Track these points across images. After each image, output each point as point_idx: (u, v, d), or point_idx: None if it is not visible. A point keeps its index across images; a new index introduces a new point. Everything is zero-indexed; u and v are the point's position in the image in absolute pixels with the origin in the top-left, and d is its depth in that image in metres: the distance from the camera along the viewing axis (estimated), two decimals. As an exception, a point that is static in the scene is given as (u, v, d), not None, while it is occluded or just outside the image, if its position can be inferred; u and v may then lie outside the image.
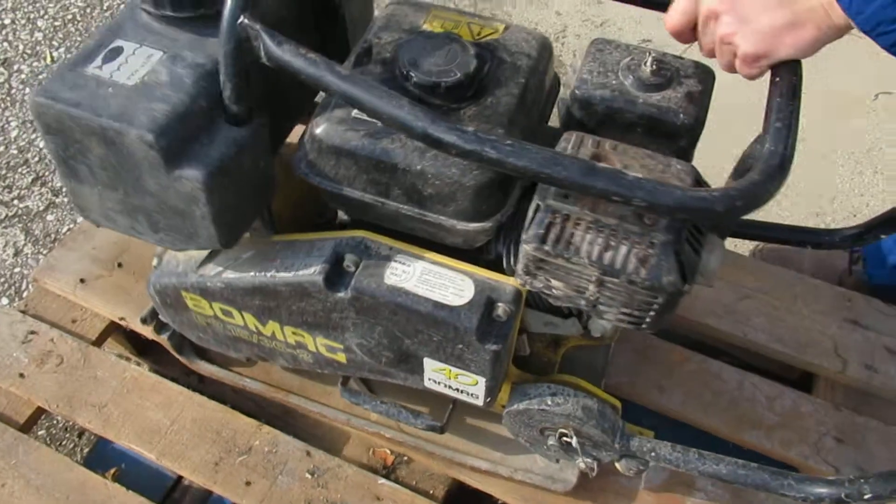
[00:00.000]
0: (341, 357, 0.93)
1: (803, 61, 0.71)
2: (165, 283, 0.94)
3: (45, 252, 1.59)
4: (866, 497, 0.77)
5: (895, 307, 1.24)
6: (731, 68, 0.74)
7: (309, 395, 1.10)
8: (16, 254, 1.59)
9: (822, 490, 0.80)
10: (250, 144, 0.76)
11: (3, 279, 1.55)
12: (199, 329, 1.01)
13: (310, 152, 0.78)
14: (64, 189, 1.60)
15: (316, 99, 0.97)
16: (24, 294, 1.52)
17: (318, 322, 0.88)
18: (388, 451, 1.12)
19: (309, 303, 0.85)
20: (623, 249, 0.67)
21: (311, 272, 0.82)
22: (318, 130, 0.76)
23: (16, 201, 1.67)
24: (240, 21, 0.69)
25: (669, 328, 1.23)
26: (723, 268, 1.21)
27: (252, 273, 0.87)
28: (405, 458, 1.11)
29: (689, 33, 0.76)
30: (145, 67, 0.74)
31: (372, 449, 1.12)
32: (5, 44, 1.96)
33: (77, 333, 1.19)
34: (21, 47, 1.95)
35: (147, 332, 1.13)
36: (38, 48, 1.96)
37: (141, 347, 1.28)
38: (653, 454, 0.87)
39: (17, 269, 1.57)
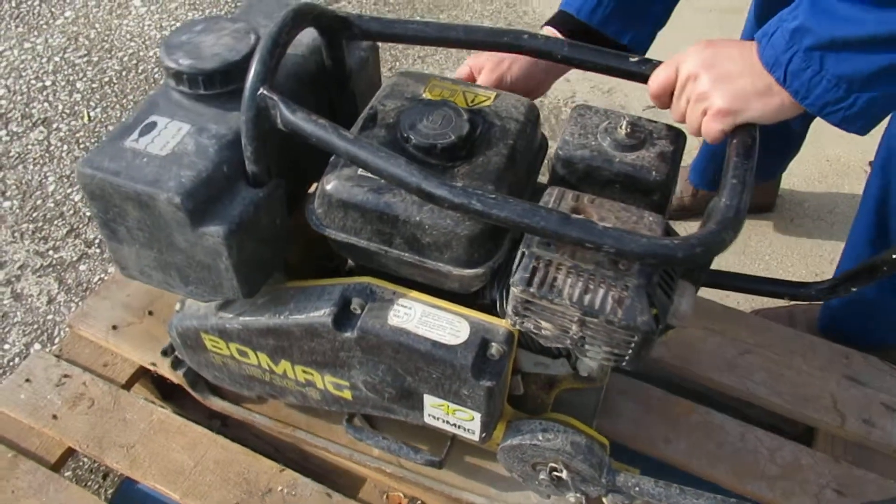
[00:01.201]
0: (347, 394, 1.00)
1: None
2: (187, 325, 1.02)
3: (77, 300, 1.67)
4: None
5: (891, 365, 1.28)
6: (698, 128, 0.83)
7: (315, 432, 1.16)
8: (49, 301, 1.67)
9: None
10: (267, 203, 0.85)
11: (36, 325, 1.63)
12: (215, 368, 1.09)
13: (320, 206, 0.87)
14: (98, 241, 1.73)
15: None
16: (56, 340, 1.60)
17: (326, 361, 0.95)
18: (402, 496, 1.16)
19: (319, 342, 0.93)
20: (601, 292, 0.75)
21: (322, 314, 0.90)
22: (328, 186, 0.85)
23: (51, 252, 1.76)
24: (259, 92, 0.79)
25: (676, 381, 1.28)
26: (724, 324, 1.32)
27: (267, 315, 0.95)
28: (418, 501, 1.15)
29: (668, 97, 0.86)
30: (175, 139, 0.83)
31: (386, 494, 1.16)
32: (46, 104, 2.09)
33: (108, 377, 1.25)
34: (60, 107, 2.08)
35: (165, 367, 1.20)
36: (76, 108, 2.08)
37: (166, 392, 1.33)
38: (637, 489, 0.92)
39: (49, 317, 1.65)
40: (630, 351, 0.77)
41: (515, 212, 0.71)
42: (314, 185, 0.92)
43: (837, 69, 0.71)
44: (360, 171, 0.85)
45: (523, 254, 0.78)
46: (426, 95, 0.93)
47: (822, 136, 1.80)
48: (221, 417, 1.31)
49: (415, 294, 0.90)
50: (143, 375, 1.28)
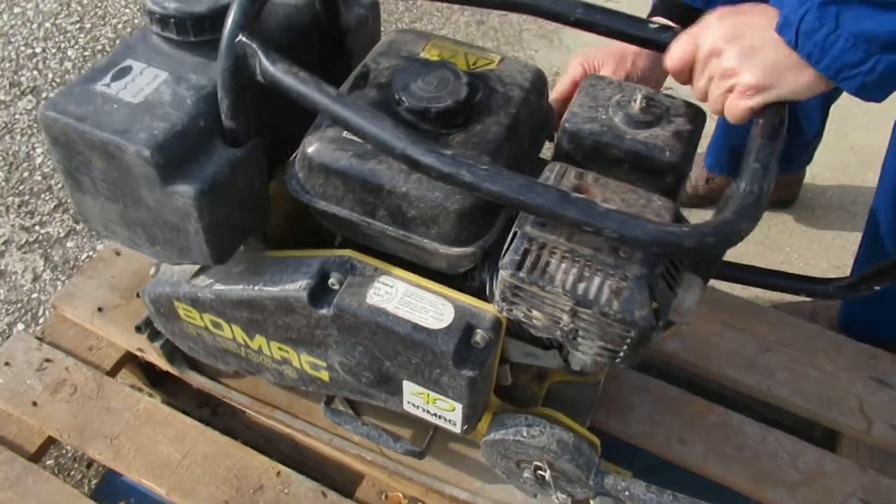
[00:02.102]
0: (324, 375, 0.94)
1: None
2: (160, 291, 0.96)
3: (63, 278, 1.60)
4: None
5: (921, 368, 1.21)
6: (722, 107, 0.75)
7: (295, 413, 1.10)
8: (34, 279, 1.60)
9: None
10: (245, 165, 0.78)
11: (20, 304, 1.56)
12: (190, 339, 1.02)
13: (301, 170, 0.80)
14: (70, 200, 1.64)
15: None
16: (41, 320, 1.53)
17: (302, 338, 0.89)
18: (402, 496, 1.09)
19: (294, 318, 0.86)
20: (597, 281, 0.68)
21: (297, 287, 0.83)
22: (310, 149, 0.78)
23: (37, 227, 1.69)
24: (238, 39, 0.72)
25: (691, 378, 1.22)
26: (744, 319, 1.24)
27: (241, 286, 0.88)
28: (418, 502, 1.08)
29: (688, 73, 0.77)
30: (150, 87, 0.76)
31: (385, 493, 1.09)
32: (35, 72, 2.00)
33: (92, 363, 1.18)
34: (50, 76, 2.00)
35: (152, 352, 1.14)
36: (67, 77, 2.00)
37: (154, 379, 1.27)
38: (627, 493, 0.86)
39: (34, 295, 1.57)
40: (625, 347, 0.70)
41: (509, 186, 0.64)
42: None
43: (855, 27, 0.63)
44: (346, 134, 0.78)
45: (515, 234, 0.71)
46: (424, 55, 0.85)
47: (846, 125, 1.73)
48: (211, 406, 1.25)
49: (398, 272, 0.83)
50: (129, 361, 1.21)
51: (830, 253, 1.72)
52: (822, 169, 1.87)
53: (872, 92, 0.67)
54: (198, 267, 0.94)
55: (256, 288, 0.87)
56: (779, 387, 1.18)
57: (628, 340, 0.69)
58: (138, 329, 1.10)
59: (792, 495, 1.06)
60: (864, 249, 1.32)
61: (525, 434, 0.86)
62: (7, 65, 2.01)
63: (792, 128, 1.49)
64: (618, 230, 0.61)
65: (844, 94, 0.72)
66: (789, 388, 1.17)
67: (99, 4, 2.19)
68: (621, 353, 0.71)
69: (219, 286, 0.90)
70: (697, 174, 1.71)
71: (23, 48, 2.06)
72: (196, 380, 1.14)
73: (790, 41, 0.66)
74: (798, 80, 0.69)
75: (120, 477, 1.14)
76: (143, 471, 1.06)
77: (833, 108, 1.53)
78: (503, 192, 0.64)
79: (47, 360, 1.17)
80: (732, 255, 1.72)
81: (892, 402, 1.15)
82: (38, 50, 2.06)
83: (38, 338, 1.20)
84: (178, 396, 1.25)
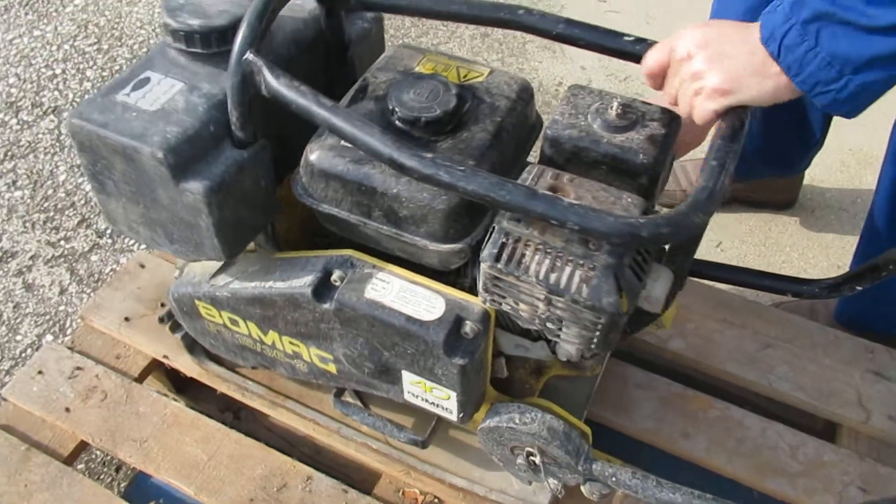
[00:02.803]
0: (332, 368, 1.00)
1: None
2: (183, 292, 1.04)
3: (88, 291, 1.67)
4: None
5: (917, 360, 1.23)
6: (690, 109, 0.80)
7: (306, 403, 1.17)
8: (61, 292, 1.67)
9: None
10: (251, 164, 0.86)
11: (48, 316, 1.63)
12: (211, 336, 1.11)
13: (304, 175, 0.88)
14: (109, 231, 1.74)
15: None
16: (68, 331, 1.60)
17: (310, 332, 0.96)
18: (418, 492, 1.13)
19: (301, 313, 0.93)
20: (567, 270, 0.73)
21: (302, 284, 0.91)
22: (312, 156, 0.86)
23: (62, 242, 1.75)
24: (245, 56, 0.80)
25: (693, 374, 1.26)
26: (744, 316, 1.28)
27: (254, 284, 0.96)
28: (435, 499, 1.13)
29: (661, 78, 0.83)
30: (167, 95, 0.85)
31: (402, 490, 1.13)
32: (56, 92, 2.08)
33: (121, 370, 1.24)
34: (71, 96, 2.08)
35: (177, 358, 1.21)
36: (86, 96, 2.05)
37: (179, 385, 1.32)
38: (613, 479, 0.90)
39: (61, 307, 1.64)
40: (598, 333, 0.75)
41: (482, 185, 0.70)
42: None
43: (832, 47, 0.68)
44: (343, 142, 0.85)
45: (493, 228, 0.77)
46: (419, 69, 0.92)
47: (844, 127, 1.74)
48: (234, 410, 1.31)
49: (395, 269, 0.90)
50: (156, 368, 1.27)
51: (830, 252, 1.75)
52: (822, 171, 1.89)
53: (842, 108, 0.72)
54: (217, 268, 1.02)
55: (267, 285, 0.94)
56: (779, 381, 1.21)
57: (599, 326, 0.74)
58: (161, 320, 1.19)
59: (792, 485, 1.10)
60: (862, 249, 1.35)
61: (517, 421, 0.91)
62: (29, 86, 2.10)
63: (793, 134, 1.53)
64: (579, 222, 0.67)
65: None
66: (789, 383, 1.21)
67: (115, 26, 2.29)
68: (594, 339, 0.76)
69: (234, 285, 0.98)
70: (697, 177, 1.74)
71: (43, 69, 2.15)
72: (214, 370, 1.22)
73: (773, 53, 0.71)
74: (760, 87, 0.74)
75: (149, 479, 1.20)
76: (171, 472, 1.12)
77: (832, 111, 1.56)
78: (476, 189, 0.70)
79: (78, 368, 1.24)
80: (735, 257, 1.74)
81: (889, 394, 1.18)
82: (58, 71, 2.14)
83: (68, 347, 1.27)
84: (201, 402, 1.31)
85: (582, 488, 0.95)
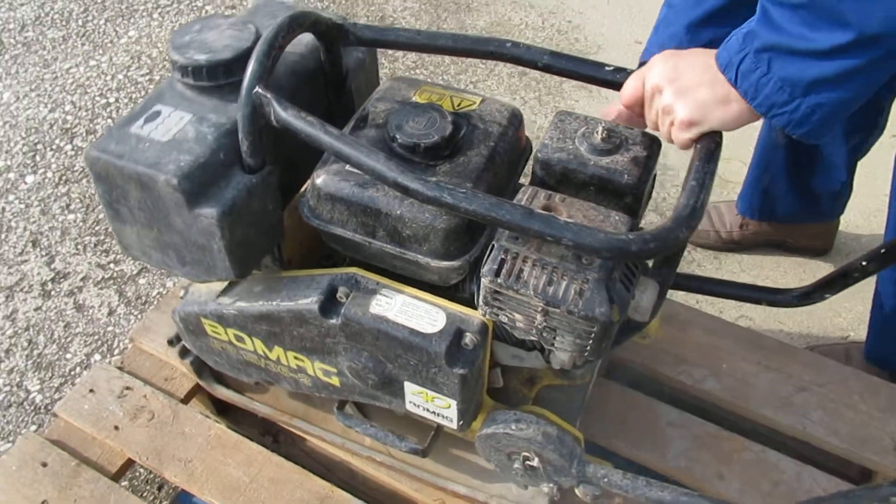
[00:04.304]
0: (335, 381, 1.05)
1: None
2: (189, 310, 1.09)
3: (136, 313, 1.73)
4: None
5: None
6: (669, 137, 0.87)
7: (311, 420, 1.21)
8: (110, 313, 1.73)
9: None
10: (260, 189, 0.91)
11: (97, 336, 1.69)
12: (215, 354, 1.15)
13: (311, 199, 0.93)
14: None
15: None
16: (116, 351, 1.66)
17: (314, 347, 1.01)
18: None
19: (307, 328, 0.98)
20: (563, 284, 0.79)
21: (309, 301, 0.96)
22: (318, 180, 0.91)
23: (112, 265, 1.83)
24: (255, 90, 0.85)
25: (727, 417, 1.27)
26: (779, 359, 1.29)
27: (261, 302, 1.01)
28: None
29: (639, 107, 0.90)
30: (177, 126, 0.90)
31: None
32: (109, 120, 2.18)
33: (168, 391, 1.29)
34: None
35: (213, 388, 1.25)
36: (102, 132, 2.15)
37: (221, 408, 1.36)
38: (605, 480, 0.96)
39: (109, 328, 1.71)
40: (591, 341, 0.81)
41: (483, 205, 0.76)
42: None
43: (782, 72, 0.74)
44: (348, 167, 0.91)
45: (493, 246, 0.83)
46: (416, 99, 0.98)
47: (878, 172, 1.78)
48: (273, 433, 1.35)
49: (397, 285, 0.95)
50: (200, 390, 1.32)
51: (865, 296, 1.72)
52: (857, 216, 1.92)
53: (799, 128, 0.77)
54: (222, 287, 1.06)
55: (274, 303, 0.99)
56: (814, 426, 1.22)
57: (592, 335, 0.80)
58: (170, 342, 1.23)
59: (828, 530, 1.11)
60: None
61: (514, 428, 0.97)
62: (84, 113, 2.19)
63: (819, 175, 1.57)
64: (574, 239, 0.73)
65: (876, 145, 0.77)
66: (824, 428, 1.22)
67: (167, 57, 2.35)
68: (588, 347, 0.82)
69: (241, 303, 1.03)
70: (731, 219, 1.78)
71: (98, 98, 2.24)
72: (223, 393, 1.26)
73: (731, 79, 0.78)
74: (725, 114, 0.80)
75: (190, 498, 1.24)
76: (214, 492, 1.15)
77: (866, 156, 1.59)
78: (478, 210, 0.76)
79: (127, 388, 1.28)
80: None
81: (925, 442, 1.18)
82: (111, 100, 2.24)
83: (118, 367, 1.32)
84: (242, 425, 1.35)
85: (576, 490, 1.00)
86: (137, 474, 1.42)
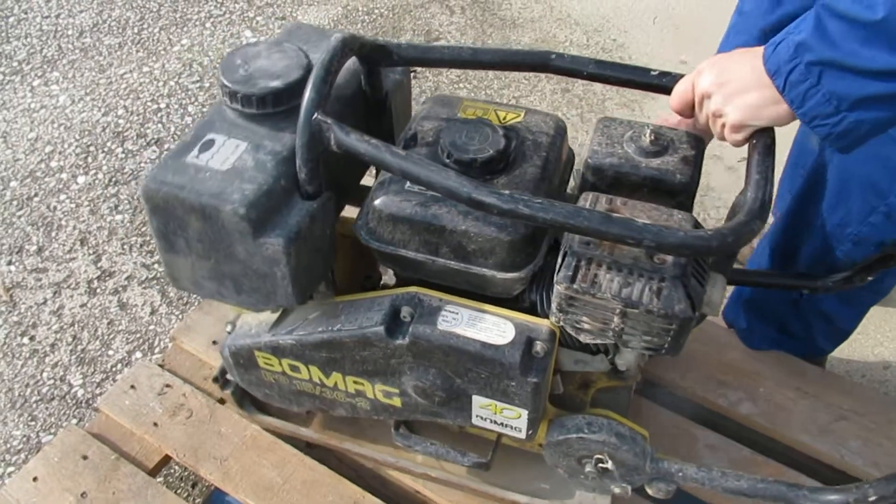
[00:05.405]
0: (397, 401, 1.05)
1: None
2: (241, 344, 1.08)
3: (177, 313, 1.76)
4: (871, 499, 0.87)
5: None
6: (722, 137, 0.90)
7: (361, 443, 1.21)
8: (152, 312, 1.76)
9: (834, 497, 0.91)
10: (320, 215, 0.91)
11: (139, 334, 1.72)
12: (266, 386, 1.14)
13: (370, 221, 0.94)
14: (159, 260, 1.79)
15: (361, 182, 1.14)
16: (156, 350, 1.68)
17: (377, 369, 1.01)
18: None
19: (371, 351, 0.98)
20: (639, 285, 0.81)
21: (373, 324, 0.96)
22: (377, 202, 0.92)
23: (156, 265, 1.86)
24: (315, 117, 0.86)
25: (764, 443, 1.26)
26: (818, 387, 1.27)
27: (320, 329, 1.00)
28: None
29: (689, 110, 0.92)
30: (234, 155, 0.90)
31: None
32: (159, 125, 2.21)
33: (206, 390, 1.30)
34: (172, 129, 2.20)
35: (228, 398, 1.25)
36: (187, 131, 2.17)
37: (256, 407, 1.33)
38: (680, 475, 0.97)
39: (151, 327, 1.73)
40: (669, 338, 0.83)
41: (560, 214, 0.78)
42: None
43: (832, 86, 0.76)
44: (407, 188, 0.91)
45: (566, 253, 0.84)
46: (461, 115, 1.00)
47: None
48: None
49: (460, 300, 0.96)
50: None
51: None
52: None
53: (838, 142, 0.80)
54: (274, 319, 1.06)
55: (335, 329, 0.99)
56: (852, 455, 1.21)
57: (671, 332, 0.82)
58: (215, 380, 1.21)
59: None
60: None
61: (586, 431, 0.98)
62: (135, 118, 2.22)
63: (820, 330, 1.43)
64: (655, 239, 0.75)
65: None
66: (863, 458, 1.20)
67: (217, 66, 2.38)
68: (666, 345, 0.84)
69: (299, 332, 1.02)
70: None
71: (149, 103, 2.27)
72: (263, 421, 1.25)
73: (779, 87, 0.79)
74: (775, 113, 0.82)
75: (224, 497, 1.24)
76: (248, 491, 1.17)
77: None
78: (556, 218, 0.77)
79: (167, 386, 1.30)
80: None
81: (965, 474, 1.19)
82: (162, 105, 2.27)
83: (159, 365, 1.33)
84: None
85: (647, 488, 1.02)
86: (172, 471, 1.44)
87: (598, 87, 2.38)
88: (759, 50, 0.83)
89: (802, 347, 1.35)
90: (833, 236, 1.12)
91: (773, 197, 0.82)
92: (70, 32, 2.51)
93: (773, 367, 1.34)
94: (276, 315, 1.06)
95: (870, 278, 1.04)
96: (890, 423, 1.26)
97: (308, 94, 0.86)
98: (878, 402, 1.30)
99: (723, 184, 2.08)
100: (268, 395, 1.17)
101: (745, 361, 1.35)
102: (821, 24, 0.75)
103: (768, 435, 1.26)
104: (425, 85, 2.35)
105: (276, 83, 0.91)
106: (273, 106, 0.92)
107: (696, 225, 0.86)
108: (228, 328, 1.12)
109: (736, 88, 0.84)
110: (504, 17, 2.67)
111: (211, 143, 0.92)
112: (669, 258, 0.82)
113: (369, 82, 1.02)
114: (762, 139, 0.85)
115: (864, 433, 1.24)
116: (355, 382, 1.05)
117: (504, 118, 0.99)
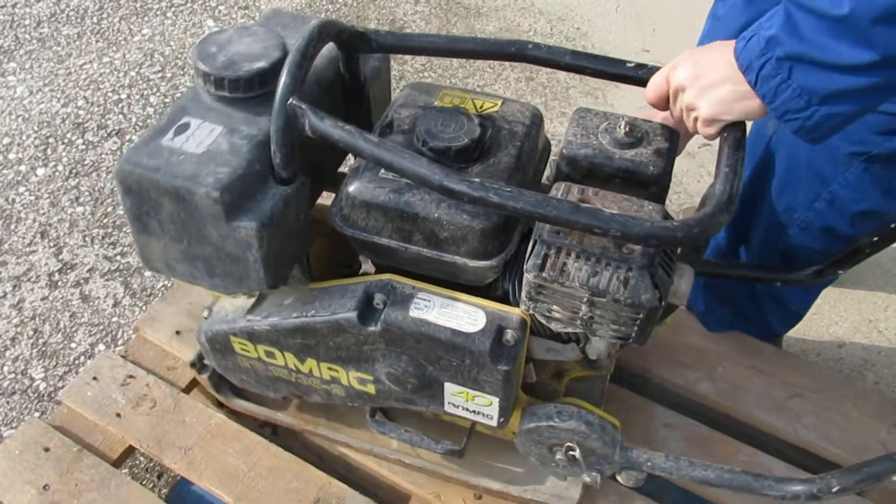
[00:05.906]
0: (371, 388, 1.06)
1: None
2: (216, 329, 1.08)
3: (141, 305, 1.75)
4: (834, 490, 0.88)
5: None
6: (695, 130, 0.90)
7: (336, 428, 1.21)
8: (115, 304, 1.75)
9: (798, 487, 0.92)
10: (295, 200, 0.91)
11: (102, 327, 1.71)
12: (242, 371, 1.14)
13: (344, 207, 0.94)
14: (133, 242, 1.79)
15: (340, 169, 1.14)
16: (120, 342, 1.68)
17: (350, 356, 1.01)
18: None
19: (344, 338, 0.99)
20: (607, 274, 0.82)
21: (346, 310, 0.96)
22: (352, 189, 0.92)
23: (118, 257, 1.85)
24: (290, 102, 0.86)
25: (721, 420, 1.29)
26: (774, 365, 1.31)
27: (294, 315, 1.01)
28: None
29: (663, 103, 0.93)
30: (209, 139, 0.90)
31: None
32: (120, 116, 2.18)
33: (170, 380, 1.30)
34: (134, 119, 2.18)
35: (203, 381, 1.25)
36: (148, 121, 2.18)
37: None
38: (649, 464, 0.98)
39: (114, 319, 1.72)
40: (636, 327, 0.84)
41: (530, 202, 0.78)
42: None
43: (802, 80, 0.76)
44: (382, 174, 0.92)
45: (535, 242, 0.85)
46: (438, 103, 1.00)
47: None
48: (271, 425, 1.34)
49: (433, 288, 0.97)
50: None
51: (862, 307, 1.79)
52: None
53: (810, 134, 0.80)
54: (251, 304, 1.06)
55: (309, 315, 0.99)
56: (806, 431, 1.25)
57: (638, 321, 0.83)
58: (192, 365, 1.22)
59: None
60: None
61: (556, 420, 0.99)
62: (96, 109, 2.20)
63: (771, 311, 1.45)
64: (622, 229, 0.76)
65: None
66: (816, 432, 1.24)
67: (179, 56, 2.39)
68: (633, 334, 0.85)
69: (273, 318, 1.03)
70: None
71: (110, 94, 2.25)
72: (240, 405, 1.25)
73: (751, 81, 0.80)
74: (747, 108, 0.82)
75: (189, 486, 1.25)
76: (213, 480, 1.17)
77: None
78: (525, 207, 0.78)
79: (130, 377, 1.30)
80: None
81: (916, 448, 1.21)
82: (123, 96, 2.25)
83: (122, 356, 1.33)
84: (242, 416, 1.33)
85: (618, 477, 1.03)
86: (138, 462, 1.44)
87: (562, 75, 2.39)
88: (734, 43, 0.84)
89: (757, 330, 1.39)
90: (781, 221, 1.15)
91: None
92: (27, 22, 2.47)
93: (730, 347, 1.37)
94: (252, 300, 1.06)
95: (840, 272, 1.05)
96: (841, 399, 1.30)
97: (283, 78, 0.86)
98: (832, 380, 1.34)
99: (683, 170, 2.07)
100: (244, 381, 1.17)
101: (703, 342, 1.38)
102: (791, 19, 0.75)
103: (725, 412, 1.29)
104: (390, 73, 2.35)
105: (250, 66, 0.91)
106: (248, 90, 0.92)
107: (666, 216, 0.87)
108: (205, 313, 1.12)
109: (709, 82, 0.84)
110: (468, 6, 2.66)
111: (186, 126, 0.92)
112: (637, 248, 0.82)
113: (347, 69, 1.02)
114: (733, 133, 0.86)
115: (817, 409, 1.28)
116: (330, 369, 1.06)
117: (481, 107, 1.00)
